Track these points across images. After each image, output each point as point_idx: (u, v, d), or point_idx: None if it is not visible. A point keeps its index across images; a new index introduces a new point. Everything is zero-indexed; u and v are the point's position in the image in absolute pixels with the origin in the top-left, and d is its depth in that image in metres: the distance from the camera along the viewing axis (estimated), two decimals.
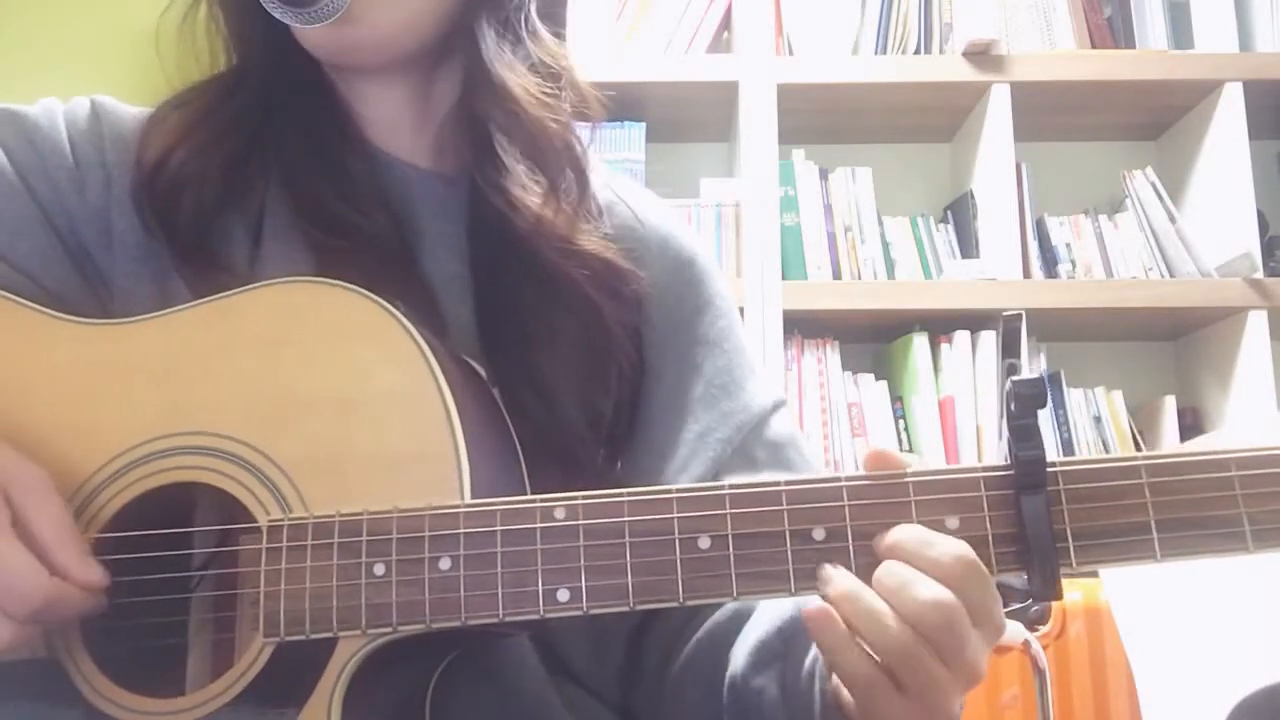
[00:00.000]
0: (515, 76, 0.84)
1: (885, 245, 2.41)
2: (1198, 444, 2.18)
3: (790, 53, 2.41)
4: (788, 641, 0.75)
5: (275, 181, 0.86)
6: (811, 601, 0.63)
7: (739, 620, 0.81)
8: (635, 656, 0.86)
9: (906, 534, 0.63)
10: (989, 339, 2.27)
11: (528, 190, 0.82)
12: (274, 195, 0.85)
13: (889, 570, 0.62)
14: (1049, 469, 0.63)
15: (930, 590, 0.60)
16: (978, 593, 0.62)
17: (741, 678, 0.76)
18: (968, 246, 2.41)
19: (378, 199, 0.85)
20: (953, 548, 0.62)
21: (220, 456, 0.71)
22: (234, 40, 0.87)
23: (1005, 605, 0.64)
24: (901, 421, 2.33)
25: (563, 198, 0.84)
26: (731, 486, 0.66)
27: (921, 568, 0.62)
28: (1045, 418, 2.31)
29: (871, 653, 0.62)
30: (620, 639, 0.86)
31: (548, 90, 0.85)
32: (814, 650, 0.71)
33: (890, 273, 2.39)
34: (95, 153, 0.85)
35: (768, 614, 0.78)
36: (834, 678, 0.67)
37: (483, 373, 0.79)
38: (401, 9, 0.81)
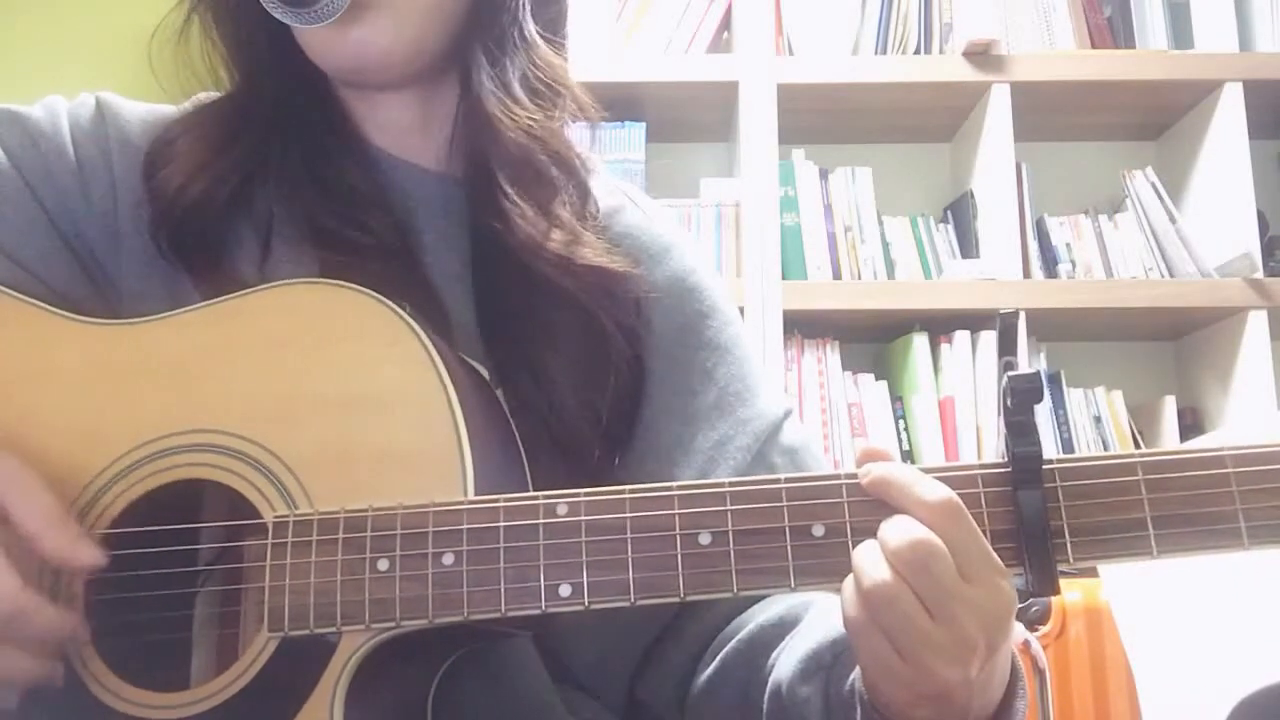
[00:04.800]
0: (505, 109, 0.84)
1: (885, 245, 2.42)
2: (1197, 444, 2.18)
3: (790, 53, 2.41)
4: (838, 655, 0.74)
5: (280, 196, 0.86)
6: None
7: (781, 629, 0.80)
8: (653, 653, 0.86)
9: (895, 471, 0.63)
10: (989, 339, 2.27)
11: (521, 210, 0.83)
12: (280, 207, 0.86)
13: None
14: (1046, 466, 0.63)
15: (908, 531, 0.61)
16: (961, 536, 0.61)
17: (788, 687, 0.76)
18: (968, 246, 2.42)
19: (379, 207, 0.86)
20: (937, 490, 0.62)
21: (227, 454, 0.72)
22: (232, 56, 0.87)
23: None
24: (901, 421, 2.33)
25: (556, 215, 0.84)
26: (732, 483, 0.66)
27: (906, 506, 0.62)
28: (1045, 418, 2.32)
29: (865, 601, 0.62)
30: (632, 653, 0.86)
31: (540, 116, 0.85)
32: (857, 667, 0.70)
33: (890, 273, 2.40)
34: (100, 155, 0.86)
35: (820, 625, 0.77)
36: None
37: (485, 374, 0.79)
38: (400, 12, 0.81)
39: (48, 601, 0.67)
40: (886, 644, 0.61)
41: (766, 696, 0.78)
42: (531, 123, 0.85)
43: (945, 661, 0.61)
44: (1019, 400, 0.63)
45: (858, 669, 0.69)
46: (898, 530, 0.61)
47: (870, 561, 0.62)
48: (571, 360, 0.82)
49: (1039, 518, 0.62)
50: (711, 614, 0.84)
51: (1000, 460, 0.65)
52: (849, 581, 0.63)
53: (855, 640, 0.64)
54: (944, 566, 0.60)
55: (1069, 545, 0.63)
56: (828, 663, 0.74)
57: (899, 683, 0.63)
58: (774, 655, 0.79)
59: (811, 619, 0.79)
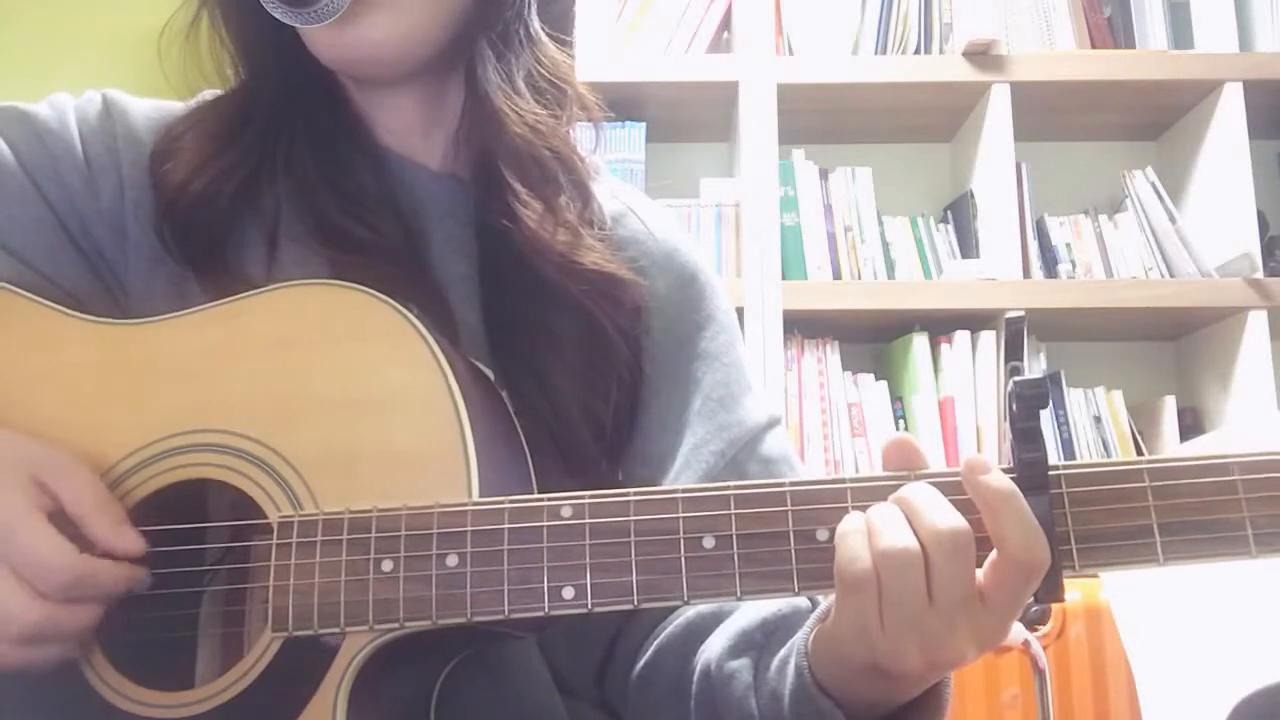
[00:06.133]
0: (511, 103, 0.85)
1: (885, 245, 2.42)
2: (1198, 445, 2.18)
3: (790, 53, 2.41)
4: (769, 635, 0.76)
5: (288, 193, 0.86)
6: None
7: (717, 618, 0.81)
8: (610, 650, 0.87)
9: (996, 491, 0.62)
10: (989, 339, 2.27)
11: (527, 208, 0.83)
12: (288, 204, 0.86)
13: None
14: (1051, 472, 0.63)
15: (955, 518, 0.61)
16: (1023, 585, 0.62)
17: (716, 664, 0.77)
18: (968, 246, 2.41)
19: (387, 208, 0.86)
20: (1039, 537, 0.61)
21: (233, 454, 0.72)
22: (240, 54, 0.87)
23: None
24: (901, 421, 2.33)
25: (561, 214, 0.85)
26: (737, 486, 0.66)
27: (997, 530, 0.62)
28: (1045, 418, 2.31)
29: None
30: (601, 643, 0.87)
31: (545, 114, 0.86)
32: (792, 641, 0.71)
33: (890, 273, 2.40)
34: (108, 153, 0.86)
35: (751, 610, 0.79)
36: (814, 639, 0.68)
37: (491, 376, 0.80)
38: (401, 9, 0.81)
39: (106, 561, 0.69)
40: (875, 607, 0.61)
41: (695, 678, 0.79)
42: (536, 119, 0.85)
43: (920, 650, 0.61)
44: (1025, 406, 0.63)
45: (793, 644, 0.71)
46: (945, 514, 0.61)
47: (892, 521, 0.61)
48: (575, 366, 0.82)
49: (1045, 524, 0.61)
50: (654, 610, 0.84)
51: (1006, 466, 0.64)
52: (856, 528, 0.62)
53: (843, 591, 0.63)
54: (970, 565, 0.61)
55: (1074, 552, 0.63)
56: (758, 642, 0.76)
57: (863, 649, 0.63)
58: (706, 642, 0.80)
59: (744, 608, 0.80)
